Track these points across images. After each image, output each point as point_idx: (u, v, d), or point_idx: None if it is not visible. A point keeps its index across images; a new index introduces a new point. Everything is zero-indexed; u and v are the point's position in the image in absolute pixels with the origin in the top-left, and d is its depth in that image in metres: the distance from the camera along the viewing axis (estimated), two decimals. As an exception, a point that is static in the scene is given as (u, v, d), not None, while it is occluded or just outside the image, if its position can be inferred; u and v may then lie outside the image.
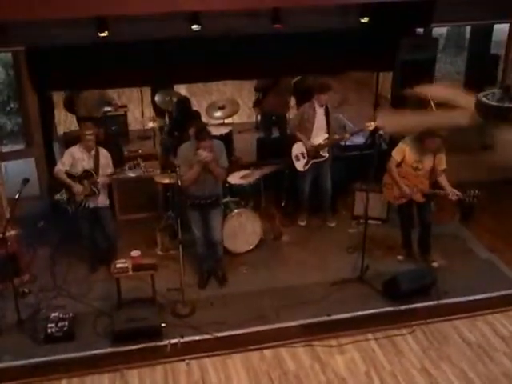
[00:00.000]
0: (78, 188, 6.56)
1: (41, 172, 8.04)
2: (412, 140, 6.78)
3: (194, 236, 6.73)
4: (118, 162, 7.83)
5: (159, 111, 10.00)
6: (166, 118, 9.72)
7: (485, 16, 8.43)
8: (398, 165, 6.86)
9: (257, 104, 10.00)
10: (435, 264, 7.09)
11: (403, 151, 6.81)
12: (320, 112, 7.55)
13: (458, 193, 6.59)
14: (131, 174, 6.68)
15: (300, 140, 7.61)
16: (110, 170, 6.72)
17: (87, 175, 6.58)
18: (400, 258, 7.26)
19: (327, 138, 7.58)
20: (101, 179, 6.60)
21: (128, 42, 7.25)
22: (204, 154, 6.16)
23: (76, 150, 6.64)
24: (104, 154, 6.71)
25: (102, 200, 6.77)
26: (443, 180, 6.74)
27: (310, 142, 7.58)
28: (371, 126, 7.46)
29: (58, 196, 6.69)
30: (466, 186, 6.68)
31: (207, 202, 6.53)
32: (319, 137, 7.58)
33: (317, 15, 7.64)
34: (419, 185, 6.76)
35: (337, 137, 7.68)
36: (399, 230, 7.32)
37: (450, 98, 6.37)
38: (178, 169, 6.24)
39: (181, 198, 6.69)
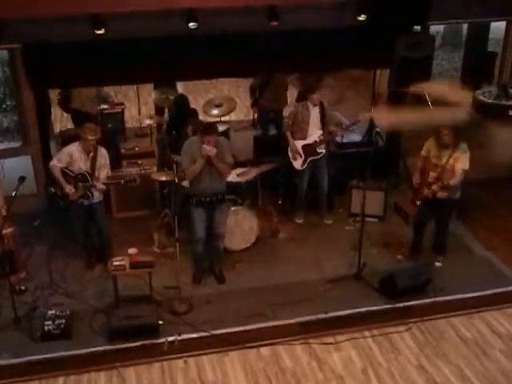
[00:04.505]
0: (69, 190, 6.52)
1: (37, 170, 8.01)
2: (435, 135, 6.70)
3: (194, 235, 6.69)
4: (115, 159, 7.84)
5: (159, 109, 10.00)
6: (166, 116, 9.73)
7: (482, 14, 8.43)
8: (426, 161, 6.76)
9: (255, 103, 10.00)
10: (438, 264, 7.08)
11: (428, 145, 6.74)
12: (315, 111, 7.56)
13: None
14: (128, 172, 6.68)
15: (289, 141, 7.63)
16: (106, 170, 6.69)
17: (83, 178, 6.54)
18: (400, 257, 7.24)
19: (322, 135, 7.59)
20: (96, 185, 6.55)
21: (125, 39, 7.23)
22: (208, 148, 6.17)
23: (74, 150, 6.57)
24: (103, 153, 6.66)
25: (96, 195, 6.72)
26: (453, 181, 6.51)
27: (295, 143, 7.61)
28: (365, 117, 7.45)
29: (52, 189, 6.68)
30: (463, 184, 6.70)
31: (212, 199, 6.51)
32: (315, 135, 7.59)
33: (314, 12, 7.63)
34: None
35: (331, 131, 7.65)
36: (406, 231, 7.35)
37: (449, 95, 6.37)
38: (176, 165, 6.22)
39: (178, 196, 6.68)
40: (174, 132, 8.12)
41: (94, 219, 6.87)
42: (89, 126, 6.63)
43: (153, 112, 10.24)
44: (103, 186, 6.65)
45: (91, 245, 7.08)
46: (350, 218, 8.05)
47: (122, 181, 6.63)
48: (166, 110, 9.78)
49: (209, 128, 6.33)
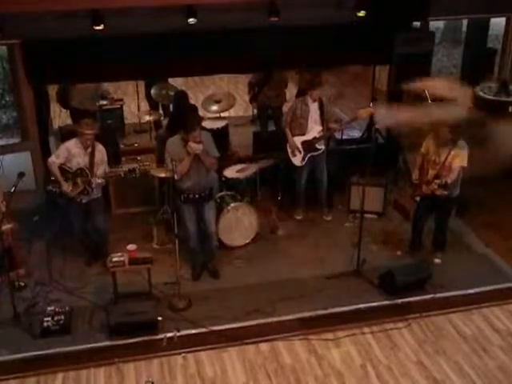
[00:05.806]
0: (67, 187, 6.51)
1: (36, 166, 8.02)
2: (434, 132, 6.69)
3: (187, 231, 6.71)
4: (114, 155, 7.83)
5: (153, 104, 10.01)
6: (160, 111, 9.73)
7: (482, 10, 8.43)
8: (425, 158, 6.76)
9: (254, 99, 10.00)
10: (437, 260, 7.08)
11: (427, 143, 6.73)
12: (314, 107, 7.55)
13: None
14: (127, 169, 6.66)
15: (287, 137, 7.62)
16: (104, 166, 6.67)
17: (82, 173, 6.53)
18: (399, 253, 7.24)
19: (321, 131, 7.58)
20: (94, 180, 6.54)
21: (124, 35, 7.22)
22: (193, 145, 6.17)
23: (72, 146, 6.56)
24: (100, 149, 6.65)
25: (95, 192, 6.70)
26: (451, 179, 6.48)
27: (295, 139, 7.60)
28: (363, 113, 7.44)
29: (50, 187, 6.67)
30: (462, 181, 6.69)
31: (201, 195, 6.53)
32: (314, 130, 7.58)
33: (313, 8, 7.62)
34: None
35: (330, 127, 7.65)
36: (406, 228, 7.33)
37: (448, 91, 6.36)
38: (171, 163, 6.22)
39: (176, 192, 6.69)
40: (173, 127, 8.09)
41: (93, 216, 6.85)
42: (85, 121, 6.63)
43: (148, 108, 10.26)
44: (100, 181, 6.62)
45: (90, 242, 7.06)
46: (350, 215, 8.04)
47: (122, 173, 6.61)
48: (160, 106, 9.81)
49: (191, 124, 6.28)
